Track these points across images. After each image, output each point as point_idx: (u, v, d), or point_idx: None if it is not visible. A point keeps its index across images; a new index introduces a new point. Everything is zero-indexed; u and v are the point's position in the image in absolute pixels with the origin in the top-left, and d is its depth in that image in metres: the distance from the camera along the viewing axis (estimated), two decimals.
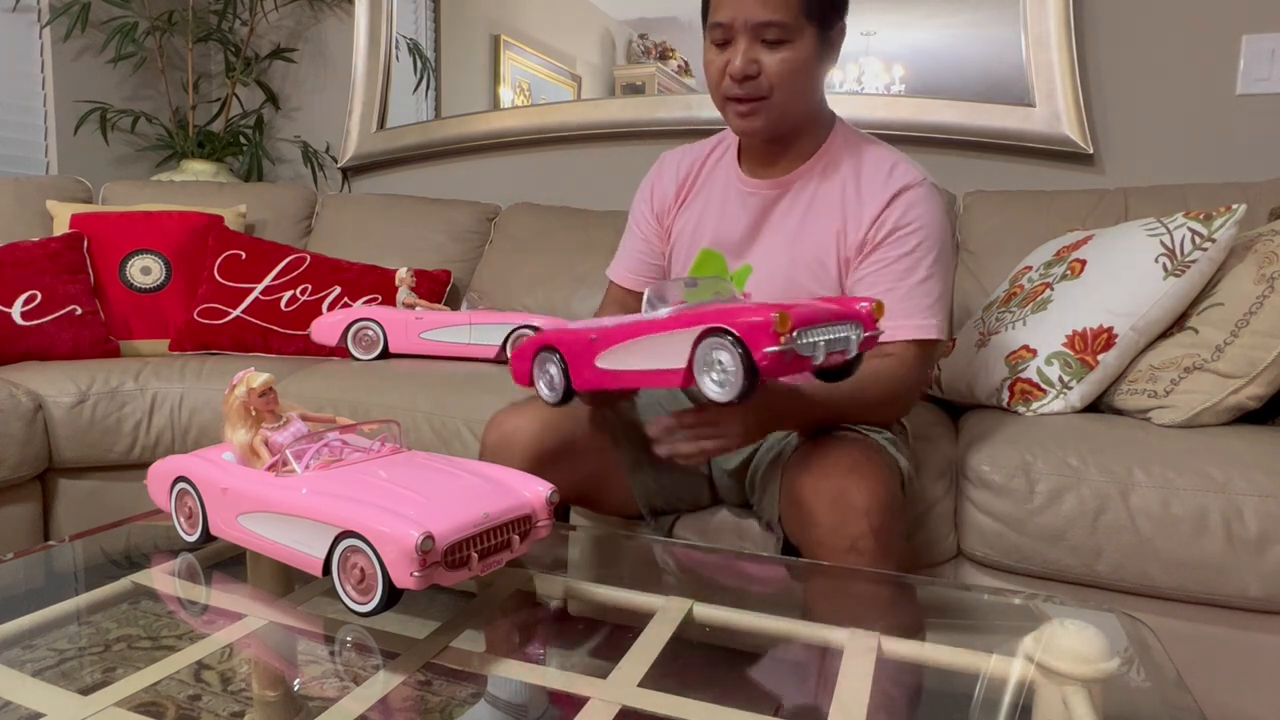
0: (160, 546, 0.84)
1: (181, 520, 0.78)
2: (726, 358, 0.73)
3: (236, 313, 1.85)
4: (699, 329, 0.75)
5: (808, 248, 1.07)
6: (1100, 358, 1.20)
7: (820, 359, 0.75)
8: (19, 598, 0.74)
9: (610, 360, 0.83)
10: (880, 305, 0.81)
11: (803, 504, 0.90)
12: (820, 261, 1.06)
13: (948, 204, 1.09)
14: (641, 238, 1.21)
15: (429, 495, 0.65)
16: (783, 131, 1.06)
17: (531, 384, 0.92)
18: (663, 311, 0.80)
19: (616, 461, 1.09)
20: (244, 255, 1.93)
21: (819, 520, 0.88)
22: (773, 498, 1.02)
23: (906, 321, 1.01)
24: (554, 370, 0.89)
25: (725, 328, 0.73)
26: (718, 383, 0.75)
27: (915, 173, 1.05)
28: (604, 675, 0.59)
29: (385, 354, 1.76)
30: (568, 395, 0.89)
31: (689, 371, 0.76)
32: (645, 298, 0.82)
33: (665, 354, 0.78)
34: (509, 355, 0.92)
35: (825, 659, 0.66)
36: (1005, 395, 1.27)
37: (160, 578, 0.77)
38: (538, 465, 0.97)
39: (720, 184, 1.14)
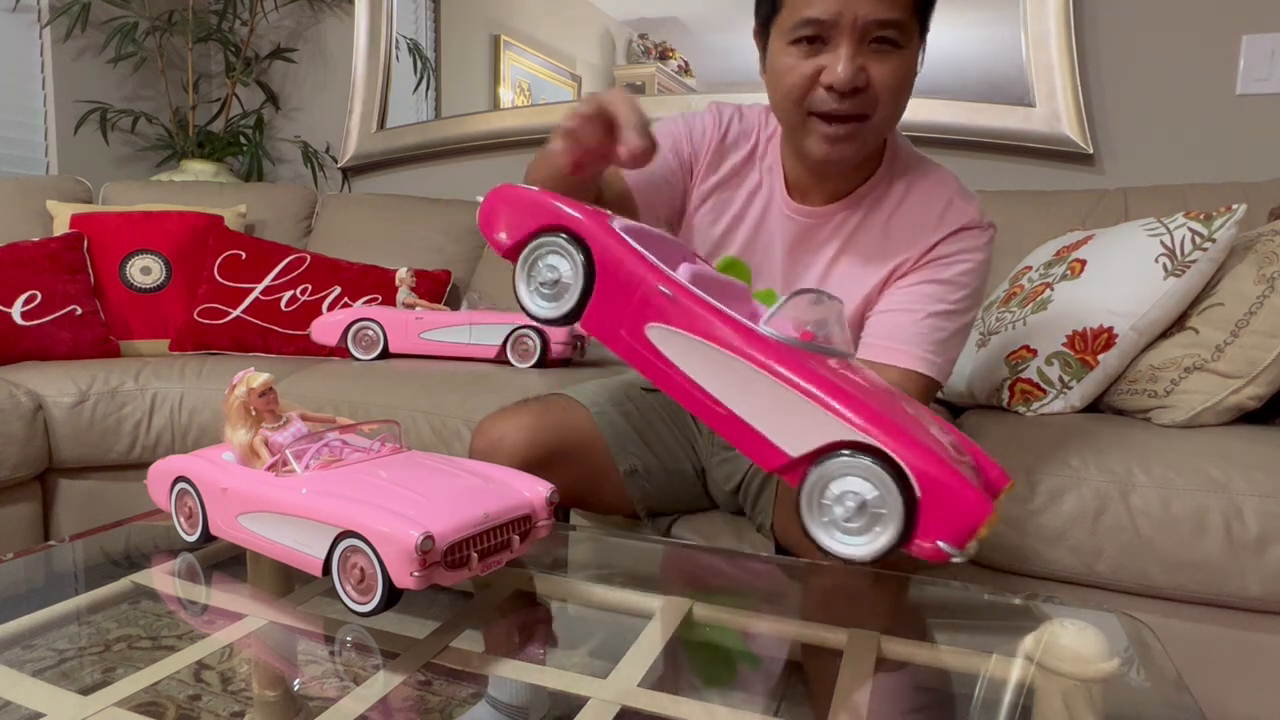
0: (160, 546, 0.84)
1: (181, 520, 0.78)
2: (871, 494, 0.44)
3: (236, 313, 1.85)
4: (846, 420, 0.44)
5: (833, 290, 1.00)
6: (1100, 358, 1.20)
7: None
8: (19, 598, 0.74)
9: (666, 341, 0.52)
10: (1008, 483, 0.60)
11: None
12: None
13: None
14: (663, 158, 1.00)
15: (429, 495, 0.65)
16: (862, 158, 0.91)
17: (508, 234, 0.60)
18: (778, 326, 0.49)
19: (610, 464, 1.06)
20: (244, 255, 1.93)
21: None
22: (765, 505, 1.01)
23: (914, 350, 0.92)
24: (564, 267, 0.56)
25: (890, 453, 0.43)
26: (842, 529, 0.46)
27: (971, 212, 0.94)
28: (604, 675, 0.59)
29: (385, 354, 1.76)
30: (574, 314, 0.57)
31: (799, 469, 0.47)
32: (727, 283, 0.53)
33: (766, 405, 0.47)
34: (479, 203, 0.63)
35: (825, 659, 0.66)
36: (1005, 395, 1.27)
37: (160, 578, 0.77)
38: (527, 471, 0.96)
39: (764, 194, 1.01)
